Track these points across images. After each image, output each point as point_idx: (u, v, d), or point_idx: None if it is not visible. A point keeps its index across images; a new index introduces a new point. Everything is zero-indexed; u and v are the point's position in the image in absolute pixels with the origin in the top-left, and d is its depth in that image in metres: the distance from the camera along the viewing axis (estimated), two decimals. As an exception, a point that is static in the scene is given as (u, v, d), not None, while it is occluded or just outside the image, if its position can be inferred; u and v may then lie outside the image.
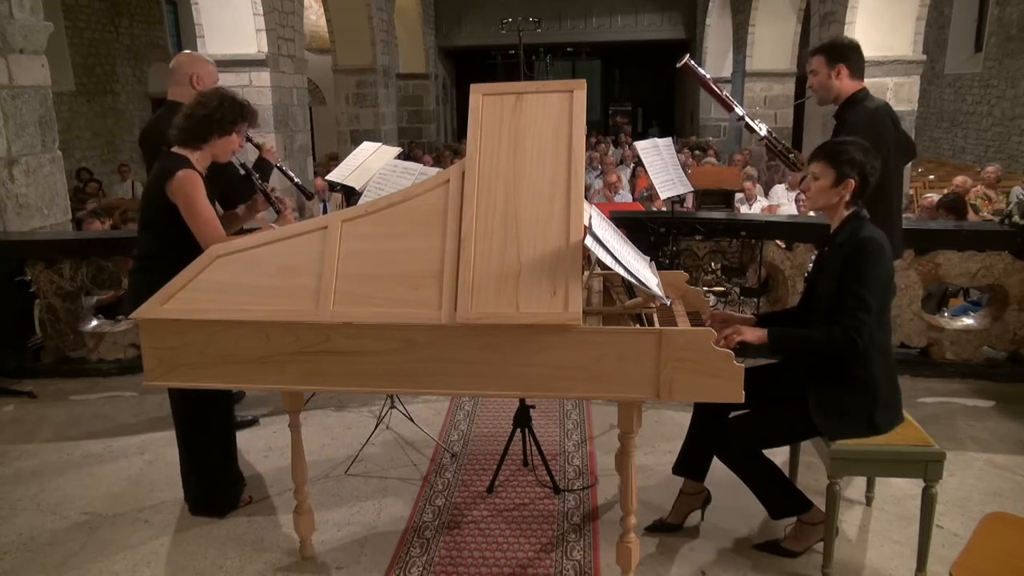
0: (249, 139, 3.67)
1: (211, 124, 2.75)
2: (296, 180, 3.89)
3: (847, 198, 2.47)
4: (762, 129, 3.49)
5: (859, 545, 2.75)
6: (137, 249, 2.91)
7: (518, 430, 3.25)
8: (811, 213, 5.91)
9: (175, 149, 2.78)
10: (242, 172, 3.29)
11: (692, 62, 3.55)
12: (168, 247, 2.77)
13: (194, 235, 2.72)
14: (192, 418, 2.91)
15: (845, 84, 3.18)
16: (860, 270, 2.36)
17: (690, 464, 2.79)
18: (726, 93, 3.56)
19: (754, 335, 2.48)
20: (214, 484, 2.99)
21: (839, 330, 2.37)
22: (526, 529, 2.86)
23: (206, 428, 2.94)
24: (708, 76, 3.59)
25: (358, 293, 2.25)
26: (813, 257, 3.07)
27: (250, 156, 3.87)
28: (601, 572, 2.60)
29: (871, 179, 2.46)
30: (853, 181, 2.43)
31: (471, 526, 2.89)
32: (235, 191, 3.28)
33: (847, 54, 3.17)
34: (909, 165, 9.10)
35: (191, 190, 2.69)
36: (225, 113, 2.77)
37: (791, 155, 3.50)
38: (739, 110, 3.52)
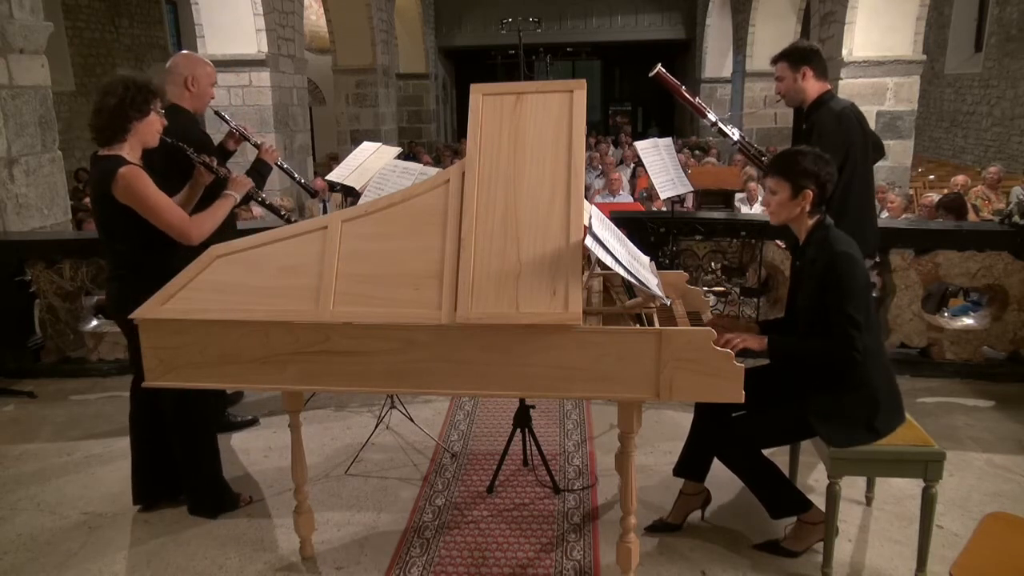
0: (246, 138, 3.63)
1: (125, 110, 2.65)
2: (298, 178, 3.86)
3: (807, 208, 2.46)
4: (735, 134, 3.61)
5: (859, 545, 2.75)
6: (109, 259, 2.85)
7: (518, 430, 3.25)
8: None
9: (103, 151, 2.69)
10: (171, 144, 2.96)
11: (664, 71, 3.60)
12: (142, 249, 2.73)
13: (157, 227, 2.65)
14: (193, 420, 2.91)
15: (811, 86, 3.28)
16: (840, 289, 2.36)
17: (691, 465, 2.79)
18: (698, 100, 3.66)
19: (756, 342, 2.49)
20: (217, 484, 3.00)
21: (836, 346, 2.37)
22: (526, 529, 2.86)
23: (207, 429, 2.95)
24: (682, 85, 3.65)
25: (358, 293, 2.25)
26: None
27: (249, 156, 3.85)
28: (601, 572, 2.60)
29: (828, 186, 2.46)
30: (810, 191, 2.43)
31: (471, 526, 2.89)
32: (183, 173, 3.09)
33: (809, 56, 3.27)
34: (910, 165, 9.12)
35: (137, 185, 2.61)
36: (135, 95, 2.65)
37: (763, 158, 3.61)
38: (711, 116, 3.60)
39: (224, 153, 3.61)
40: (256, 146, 3.61)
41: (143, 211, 2.64)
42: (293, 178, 3.84)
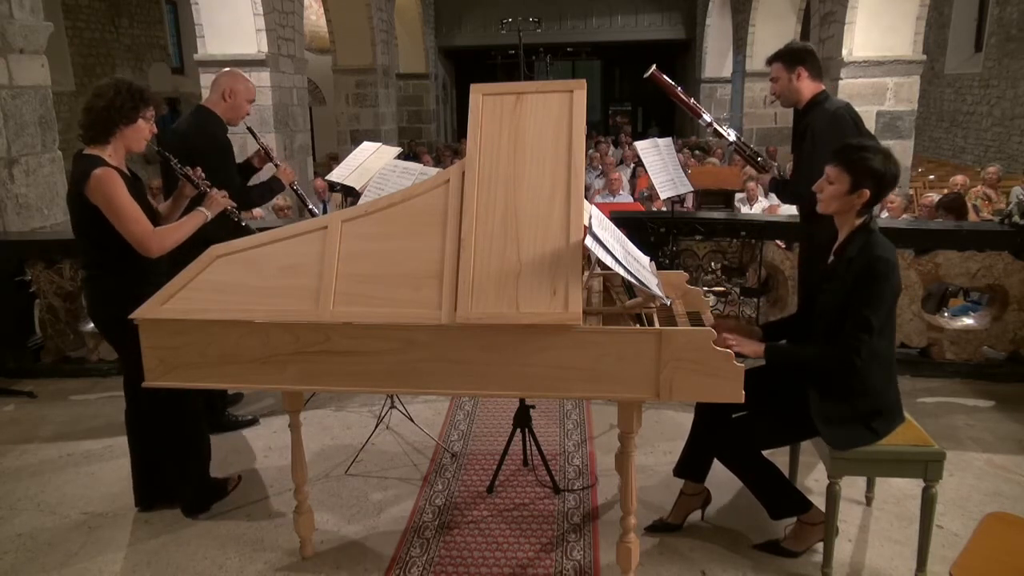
0: (269, 157, 3.75)
1: (112, 114, 2.68)
2: (310, 206, 3.94)
3: (859, 207, 2.43)
4: (731, 135, 3.63)
5: (859, 545, 2.75)
6: (81, 257, 2.88)
7: (518, 430, 3.25)
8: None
9: (87, 150, 2.71)
10: (159, 153, 3.07)
11: (659, 72, 3.61)
12: (106, 250, 2.72)
13: (120, 234, 2.66)
14: (176, 420, 2.90)
15: (806, 86, 3.29)
16: (870, 291, 2.34)
17: (691, 466, 2.79)
18: (693, 101, 3.67)
19: (751, 349, 2.48)
20: (202, 483, 3.01)
21: (837, 349, 2.36)
22: (526, 529, 2.86)
23: (187, 428, 2.95)
24: (678, 87, 3.64)
25: (358, 293, 2.25)
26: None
27: (257, 163, 3.90)
28: (601, 572, 2.60)
29: (887, 190, 2.42)
30: (867, 191, 2.38)
31: (471, 526, 2.89)
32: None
33: (804, 57, 3.28)
34: (910, 165, 9.12)
35: (109, 188, 2.62)
36: (124, 101, 2.68)
37: (759, 159, 3.62)
38: (707, 117, 3.61)
39: (249, 169, 3.80)
40: (276, 166, 3.79)
41: (109, 214, 2.64)
42: (304, 203, 3.93)
